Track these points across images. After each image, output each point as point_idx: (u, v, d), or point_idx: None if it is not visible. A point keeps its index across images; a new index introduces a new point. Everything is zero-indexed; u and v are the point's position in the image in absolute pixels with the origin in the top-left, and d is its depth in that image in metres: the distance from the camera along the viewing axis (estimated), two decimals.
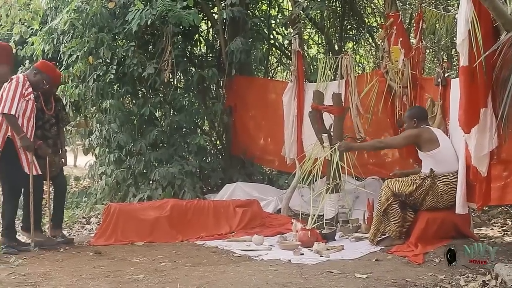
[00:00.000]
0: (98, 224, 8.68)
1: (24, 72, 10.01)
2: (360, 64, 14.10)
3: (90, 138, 10.67)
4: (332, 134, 8.29)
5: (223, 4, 10.21)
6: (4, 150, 7.12)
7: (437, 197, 6.78)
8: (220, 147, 11.79)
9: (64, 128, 8.37)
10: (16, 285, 5.49)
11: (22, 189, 7.40)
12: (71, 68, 9.86)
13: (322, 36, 13.25)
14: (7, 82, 7.27)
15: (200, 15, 9.88)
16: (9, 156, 7.17)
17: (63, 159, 8.00)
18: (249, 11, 11.44)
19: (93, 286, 5.46)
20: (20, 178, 7.27)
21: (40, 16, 9.93)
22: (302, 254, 6.76)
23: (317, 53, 14.07)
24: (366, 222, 7.79)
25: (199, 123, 11.46)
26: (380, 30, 8.99)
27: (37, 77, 7.44)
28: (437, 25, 9.21)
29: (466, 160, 6.53)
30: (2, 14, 9.79)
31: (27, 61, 10.40)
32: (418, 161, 7.37)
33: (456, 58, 10.28)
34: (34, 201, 7.38)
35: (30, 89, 7.29)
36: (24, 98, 7.21)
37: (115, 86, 10.18)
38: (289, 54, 12.12)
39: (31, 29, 10.15)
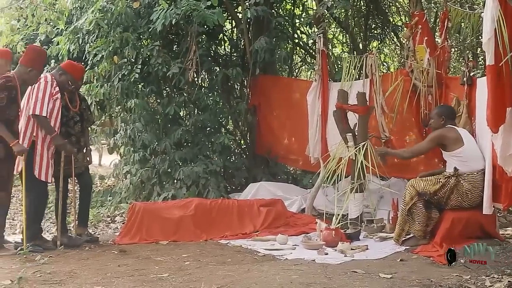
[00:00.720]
0: (123, 223, 8.73)
1: (49, 71, 10.13)
2: (384, 63, 14.04)
3: (115, 137, 10.72)
4: (356, 133, 8.27)
5: (247, 3, 10.20)
6: (29, 152, 7.18)
7: (462, 196, 6.74)
8: (244, 146, 11.79)
9: (88, 128, 8.42)
10: (42, 283, 5.53)
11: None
12: (96, 67, 9.92)
13: (347, 35, 13.22)
14: (37, 83, 7.32)
15: (224, 15, 9.88)
16: (32, 159, 7.23)
17: (88, 158, 8.05)
18: (273, 10, 11.42)
19: (118, 284, 5.48)
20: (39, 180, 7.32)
21: (65, 16, 9.97)
22: (327, 253, 6.75)
23: (341, 52, 14.05)
24: (390, 222, 7.76)
25: (223, 123, 11.48)
26: (405, 29, 8.93)
27: (62, 77, 7.51)
28: (462, 23, 9.16)
29: (493, 160, 6.48)
30: (28, 14, 9.84)
31: (52, 61, 10.48)
32: (443, 161, 7.32)
33: (482, 57, 10.22)
34: (59, 202, 7.51)
35: (57, 89, 7.35)
36: (52, 98, 7.27)
37: (139, 86, 10.23)
38: (313, 53, 12.12)
39: (57, 29, 10.20)
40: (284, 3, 12.61)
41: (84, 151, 7.95)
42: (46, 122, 7.21)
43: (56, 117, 7.37)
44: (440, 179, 6.82)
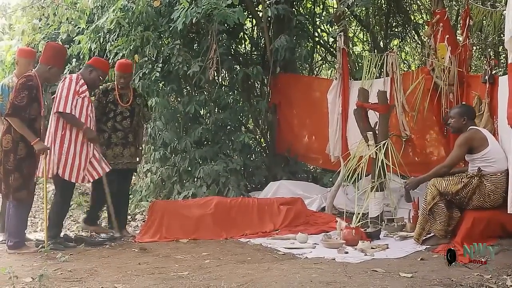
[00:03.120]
0: (143, 221, 8.76)
1: (71, 70, 10.20)
2: (405, 62, 13.97)
3: None
4: (377, 132, 8.25)
5: (268, 2, 10.20)
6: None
7: (484, 196, 6.68)
8: (265, 145, 11.79)
9: (144, 126, 8.54)
10: (63, 281, 5.57)
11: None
12: None
13: (367, 33, 13.18)
14: (61, 81, 7.43)
15: (245, 13, 9.85)
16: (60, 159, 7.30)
17: (137, 158, 8.20)
18: (293, 9, 11.41)
19: (138, 282, 5.50)
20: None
21: (86, 15, 10.02)
22: (347, 252, 6.73)
23: (362, 50, 13.99)
24: (411, 221, 7.71)
25: (243, 121, 11.48)
26: (426, 27, 8.89)
27: (93, 74, 7.60)
28: (484, 21, 9.07)
29: None
30: (49, 13, 9.90)
31: (73, 60, 10.53)
32: (464, 161, 7.26)
33: (504, 55, 10.15)
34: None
35: (84, 87, 7.42)
36: (79, 96, 7.34)
37: (160, 84, 10.26)
38: (334, 51, 12.08)
39: (78, 28, 10.25)
40: (304, 2, 12.59)
41: (131, 148, 8.12)
42: (72, 117, 7.28)
43: (87, 115, 7.43)
44: (462, 179, 6.76)
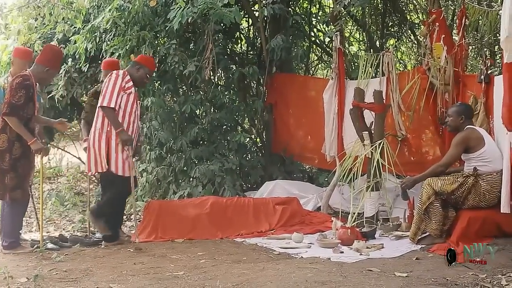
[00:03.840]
0: (139, 221, 8.75)
1: (66, 70, 10.18)
2: (401, 61, 13.99)
3: None
4: (373, 131, 8.25)
5: (264, 2, 10.21)
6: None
7: (479, 196, 6.70)
8: (260, 144, 11.80)
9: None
10: (58, 281, 5.57)
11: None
12: None
13: (364, 33, 13.20)
14: (108, 77, 7.43)
15: (241, 13, 9.86)
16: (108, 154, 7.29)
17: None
18: (290, 9, 11.40)
19: (134, 282, 5.50)
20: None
21: (82, 15, 9.99)
22: (342, 252, 6.74)
23: (358, 50, 14.00)
24: (406, 221, 7.72)
25: (239, 121, 11.47)
26: (422, 26, 8.89)
27: (140, 71, 7.60)
28: (480, 21, 9.08)
29: (510, 158, 6.44)
30: (45, 12, 9.88)
31: (69, 60, 10.51)
32: (460, 160, 7.27)
33: (500, 55, 10.15)
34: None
35: (130, 83, 7.41)
36: (125, 92, 7.33)
37: (156, 84, 10.24)
38: (330, 51, 12.06)
39: (74, 27, 10.23)
40: (301, 1, 12.58)
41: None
42: (113, 115, 7.24)
43: (130, 112, 7.43)
44: (458, 178, 6.77)
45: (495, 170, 6.66)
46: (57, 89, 10.37)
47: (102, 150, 7.23)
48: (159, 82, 10.24)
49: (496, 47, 10.79)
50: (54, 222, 9.93)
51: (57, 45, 9.42)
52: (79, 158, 12.88)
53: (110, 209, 7.40)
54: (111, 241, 7.42)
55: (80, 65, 10.27)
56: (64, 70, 10.34)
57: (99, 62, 10.20)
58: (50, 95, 10.42)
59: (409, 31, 13.02)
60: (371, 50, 11.55)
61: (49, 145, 9.89)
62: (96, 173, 7.56)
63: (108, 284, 5.43)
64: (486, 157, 6.73)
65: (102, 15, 9.50)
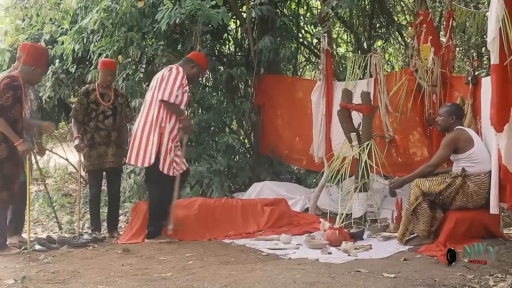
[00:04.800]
0: (127, 222, 8.73)
1: (54, 71, 10.14)
2: (389, 63, 14.05)
3: None
4: (360, 132, 8.27)
5: (252, 3, 10.22)
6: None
7: (467, 197, 6.72)
8: (248, 145, 11.80)
9: (127, 126, 8.63)
10: (45, 282, 5.53)
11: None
12: None
13: (351, 34, 13.26)
14: (167, 71, 7.54)
15: (229, 14, 9.86)
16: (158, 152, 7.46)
17: (123, 157, 8.17)
18: (277, 10, 11.42)
19: (121, 284, 5.48)
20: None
21: (70, 16, 9.97)
22: (330, 253, 6.74)
23: (346, 51, 14.04)
24: (394, 221, 7.74)
25: (227, 122, 11.48)
26: (410, 28, 8.93)
27: (194, 69, 7.73)
28: (467, 23, 9.14)
29: (498, 159, 6.47)
30: (33, 13, 9.86)
31: (57, 60, 10.48)
32: (449, 161, 7.30)
33: (487, 56, 10.21)
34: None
35: (186, 81, 7.51)
36: (183, 89, 7.47)
37: (144, 85, 10.21)
38: (317, 52, 12.10)
39: (61, 28, 10.20)
40: (288, 3, 12.60)
41: (113, 147, 8.10)
42: (176, 106, 7.43)
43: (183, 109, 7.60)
44: (446, 179, 6.80)
45: (483, 171, 6.69)
46: (45, 90, 10.35)
47: (153, 145, 7.42)
48: (147, 83, 10.20)
49: (483, 48, 10.87)
50: (42, 224, 9.89)
51: (45, 46, 9.36)
52: (66, 159, 12.82)
53: (157, 209, 7.63)
54: (153, 237, 7.63)
55: (68, 66, 10.25)
56: (51, 71, 10.31)
57: (87, 63, 10.21)
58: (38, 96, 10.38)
59: (397, 33, 13.07)
60: (359, 51, 11.58)
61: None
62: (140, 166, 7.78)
63: (96, 286, 5.40)
64: (475, 158, 6.75)
65: (90, 16, 9.50)
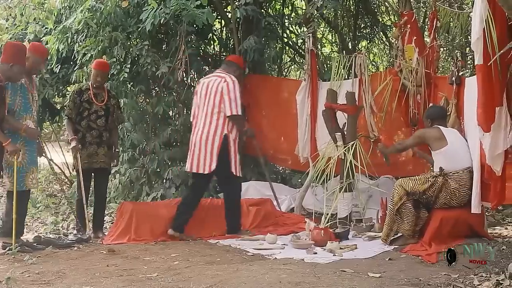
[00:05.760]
0: (112, 223, 8.70)
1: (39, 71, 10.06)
2: (374, 63, 14.10)
3: None
4: (345, 133, 8.28)
5: (236, 3, 10.21)
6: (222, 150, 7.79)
7: (450, 194, 6.79)
8: None
9: (117, 128, 8.63)
10: (30, 283, 5.51)
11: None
12: (85, 67, 9.86)
13: (336, 34, 13.27)
14: (223, 82, 7.75)
15: (213, 14, 9.85)
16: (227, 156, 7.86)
17: (115, 160, 8.28)
18: (262, 10, 11.42)
19: (107, 284, 5.47)
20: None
21: (54, 15, 9.91)
22: (315, 253, 6.76)
23: (330, 52, 14.08)
24: (379, 221, 7.78)
25: None
26: (394, 28, 8.97)
27: (237, 73, 8.03)
28: (451, 23, 9.17)
29: (481, 159, 6.51)
30: (16, 13, 9.80)
31: None
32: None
33: (471, 56, 10.25)
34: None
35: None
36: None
37: (129, 85, 10.20)
38: (302, 53, 12.12)
39: (46, 28, 10.15)
40: (273, 3, 12.61)
41: (104, 147, 8.10)
42: (243, 120, 8.13)
43: None
44: (428, 178, 6.86)
45: (460, 168, 6.80)
46: None
47: (215, 149, 7.78)
48: (131, 83, 10.19)
49: (467, 49, 10.89)
50: (27, 224, 9.83)
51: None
52: (51, 160, 12.74)
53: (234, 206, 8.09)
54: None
55: (52, 66, 10.21)
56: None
57: (71, 63, 10.16)
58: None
59: (381, 33, 13.11)
60: (344, 51, 11.60)
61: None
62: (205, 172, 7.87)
63: (81, 286, 5.39)
64: (448, 155, 6.87)
65: (74, 16, 9.45)
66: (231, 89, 7.71)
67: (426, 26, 10.12)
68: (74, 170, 8.34)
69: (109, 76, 9.57)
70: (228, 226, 7.98)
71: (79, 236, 7.80)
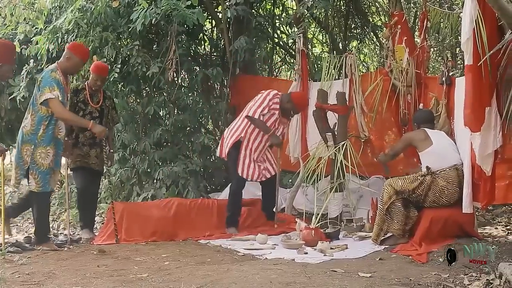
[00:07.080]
0: (102, 223, 8.68)
1: (28, 71, 10.03)
2: (364, 63, 14.10)
3: None
4: (336, 133, 8.30)
5: (227, 3, 10.20)
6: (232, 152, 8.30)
7: (439, 192, 6.84)
8: None
9: (113, 128, 8.71)
10: (20, 284, 5.49)
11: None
12: None
13: (327, 35, 13.27)
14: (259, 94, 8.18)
15: (204, 14, 9.83)
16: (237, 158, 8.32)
17: (110, 161, 8.29)
18: (253, 10, 11.41)
19: (97, 285, 5.45)
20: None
21: (44, 15, 9.88)
22: (306, 253, 6.77)
23: (321, 52, 14.08)
24: (370, 221, 7.79)
25: (203, 122, 11.44)
26: (385, 29, 8.98)
27: (287, 105, 8.32)
28: (441, 24, 9.21)
29: (471, 159, 6.53)
30: (6, 13, 9.74)
31: (31, 61, 10.39)
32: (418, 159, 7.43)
33: (461, 57, 10.28)
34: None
35: (277, 106, 8.30)
36: (269, 110, 8.23)
37: (119, 85, 10.17)
38: (293, 53, 12.13)
39: (36, 28, 10.11)
40: (264, 3, 12.58)
41: (97, 148, 8.10)
42: (259, 121, 8.18)
43: (270, 126, 8.29)
44: (417, 177, 6.91)
45: (445, 166, 6.89)
46: (19, 90, 10.23)
47: (231, 138, 8.36)
48: (122, 83, 10.16)
49: (458, 49, 10.94)
50: (16, 225, 9.82)
51: (18, 46, 9.28)
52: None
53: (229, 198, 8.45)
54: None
55: (42, 66, 10.16)
56: (25, 71, 10.20)
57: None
58: (12, 96, 10.28)
59: (372, 33, 13.12)
60: (334, 52, 11.61)
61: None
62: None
63: (72, 287, 5.37)
64: (435, 154, 6.95)
65: (64, 16, 9.41)
66: (260, 97, 8.25)
67: (417, 27, 10.13)
68: (69, 168, 8.26)
69: None
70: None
71: (78, 234, 7.81)
